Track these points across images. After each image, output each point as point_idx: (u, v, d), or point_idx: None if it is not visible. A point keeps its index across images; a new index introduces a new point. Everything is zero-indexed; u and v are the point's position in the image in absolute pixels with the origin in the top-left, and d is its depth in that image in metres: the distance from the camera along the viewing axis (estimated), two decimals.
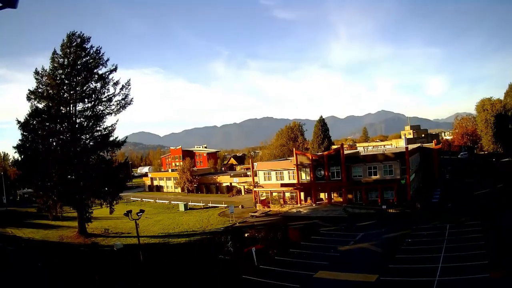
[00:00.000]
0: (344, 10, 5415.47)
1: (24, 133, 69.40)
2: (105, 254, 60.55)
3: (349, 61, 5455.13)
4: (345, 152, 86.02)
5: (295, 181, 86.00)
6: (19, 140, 69.47)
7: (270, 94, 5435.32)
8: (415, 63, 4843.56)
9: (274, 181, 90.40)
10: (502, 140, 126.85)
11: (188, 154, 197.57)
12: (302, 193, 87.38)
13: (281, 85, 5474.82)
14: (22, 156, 70.29)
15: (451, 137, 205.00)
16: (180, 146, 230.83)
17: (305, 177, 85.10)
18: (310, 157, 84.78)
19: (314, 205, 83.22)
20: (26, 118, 69.22)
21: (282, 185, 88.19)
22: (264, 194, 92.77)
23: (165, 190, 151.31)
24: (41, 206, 73.45)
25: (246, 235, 65.17)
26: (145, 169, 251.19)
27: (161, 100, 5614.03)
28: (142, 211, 45.05)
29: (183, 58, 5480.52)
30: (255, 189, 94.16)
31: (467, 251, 42.84)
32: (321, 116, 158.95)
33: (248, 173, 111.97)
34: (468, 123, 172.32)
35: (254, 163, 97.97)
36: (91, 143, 74.05)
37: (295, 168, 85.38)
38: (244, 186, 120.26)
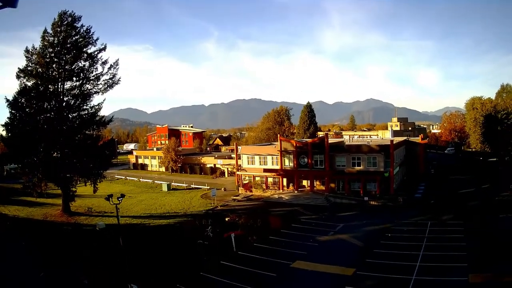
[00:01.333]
0: None
1: (13, 111, 69.05)
2: (87, 233, 60.00)
3: (341, 48, 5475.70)
4: (330, 140, 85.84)
5: (278, 167, 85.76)
6: (7, 118, 69.27)
7: (259, 76, 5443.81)
8: (407, 55, 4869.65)
9: (258, 165, 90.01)
10: (490, 140, 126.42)
11: (174, 133, 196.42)
12: (284, 179, 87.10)
13: (271, 68, 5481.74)
14: (10, 134, 70.14)
15: (439, 131, 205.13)
16: (166, 125, 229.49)
17: (288, 163, 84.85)
18: (294, 144, 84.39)
19: (296, 192, 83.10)
20: (14, 96, 68.89)
21: (265, 170, 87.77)
22: (247, 178, 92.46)
23: (149, 168, 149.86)
24: (26, 183, 73.66)
25: (226, 219, 64.91)
26: (131, 146, 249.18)
27: (150, 77, 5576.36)
28: (122, 195, 44.66)
29: (174, 37, 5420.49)
30: (238, 172, 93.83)
31: (447, 251, 42.79)
32: (308, 102, 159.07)
33: (233, 155, 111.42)
34: (457, 120, 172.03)
35: (238, 147, 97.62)
36: (77, 122, 73.52)
37: (279, 154, 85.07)
38: (228, 168, 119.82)
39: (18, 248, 52.33)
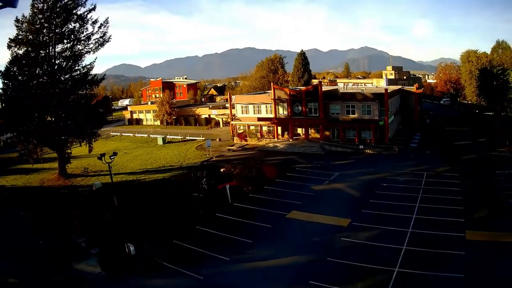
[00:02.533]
0: None
1: (5, 81, 68.68)
2: (84, 194, 60.08)
3: None
4: (324, 88, 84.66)
5: (272, 116, 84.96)
6: (0, 88, 69.17)
7: (253, 25, 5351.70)
8: (401, 5, 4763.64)
9: (252, 114, 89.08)
10: (485, 94, 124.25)
11: (168, 86, 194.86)
12: (279, 128, 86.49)
13: (265, 17, 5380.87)
14: (3, 104, 70.31)
15: (435, 81, 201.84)
16: (160, 78, 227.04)
17: (282, 111, 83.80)
18: (288, 92, 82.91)
19: (291, 140, 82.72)
20: (6, 66, 68.16)
21: (259, 119, 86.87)
22: (241, 127, 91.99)
23: (144, 123, 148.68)
24: (22, 151, 74.57)
25: (221, 170, 64.87)
26: (126, 102, 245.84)
27: (143, 32, 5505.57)
28: (115, 153, 44.50)
29: None
30: (232, 122, 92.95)
31: (444, 204, 42.07)
32: (302, 50, 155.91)
33: (227, 105, 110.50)
34: (452, 71, 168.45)
35: (232, 96, 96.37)
36: (69, 83, 73.19)
37: (273, 103, 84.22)
38: (222, 118, 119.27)
39: (16, 217, 52.37)
